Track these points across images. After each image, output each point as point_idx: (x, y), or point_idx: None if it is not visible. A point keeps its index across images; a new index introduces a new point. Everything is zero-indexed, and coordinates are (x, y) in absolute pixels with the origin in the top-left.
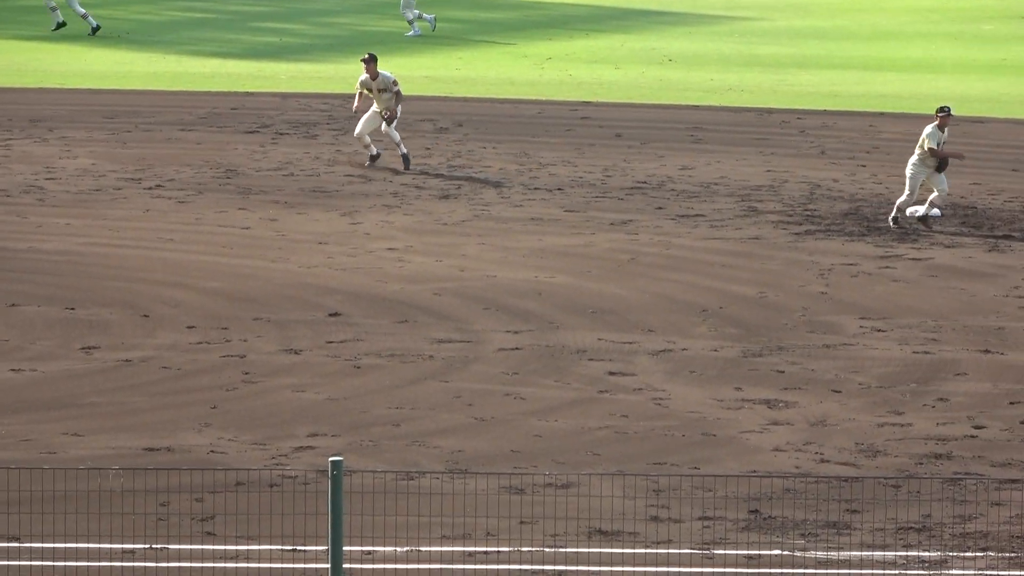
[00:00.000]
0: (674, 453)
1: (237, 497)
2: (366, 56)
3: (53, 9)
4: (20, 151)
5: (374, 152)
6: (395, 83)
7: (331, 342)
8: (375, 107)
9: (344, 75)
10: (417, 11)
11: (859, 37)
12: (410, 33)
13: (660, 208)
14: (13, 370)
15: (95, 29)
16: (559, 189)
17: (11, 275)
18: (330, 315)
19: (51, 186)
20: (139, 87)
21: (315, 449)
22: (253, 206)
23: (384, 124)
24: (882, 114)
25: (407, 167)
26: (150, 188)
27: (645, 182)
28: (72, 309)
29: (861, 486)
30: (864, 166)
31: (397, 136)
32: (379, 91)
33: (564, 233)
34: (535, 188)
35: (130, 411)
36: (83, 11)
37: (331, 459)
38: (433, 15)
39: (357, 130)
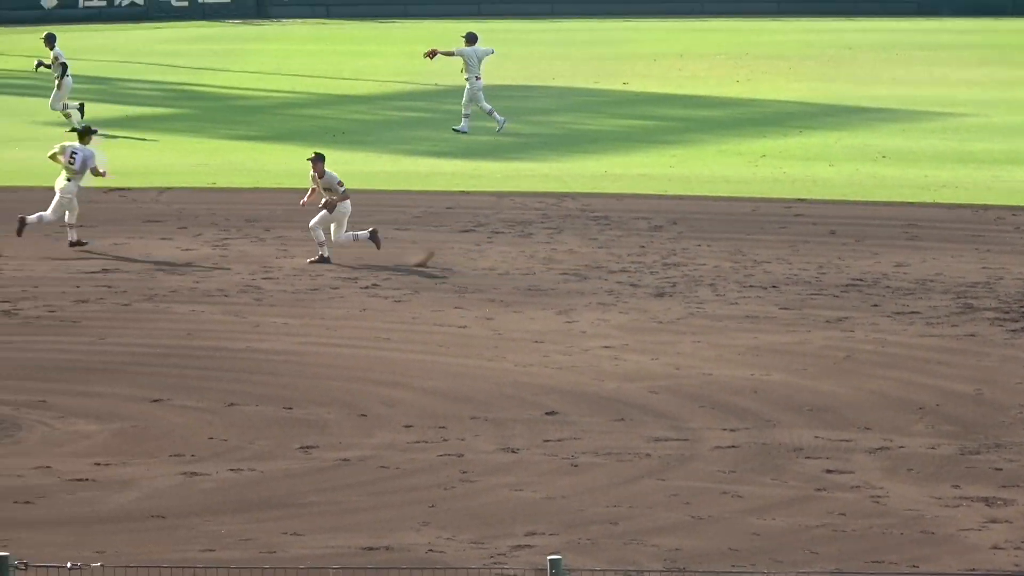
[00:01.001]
0: (892, 551)
1: None
2: (312, 156)
3: (68, 116)
4: (237, 251)
5: (325, 253)
6: (340, 184)
7: (548, 440)
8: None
9: (559, 173)
10: (489, 106)
11: None
12: (459, 127)
13: (875, 305)
14: (232, 470)
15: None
16: (774, 287)
17: (229, 375)
18: (547, 414)
19: (268, 285)
20: (355, 187)
21: (533, 548)
22: (469, 305)
23: (326, 214)
24: None
25: (320, 260)
26: (366, 287)
27: (860, 279)
28: (290, 408)
29: None
30: None
31: (346, 238)
32: (325, 190)
33: (779, 331)
34: (750, 286)
35: (349, 510)
36: (68, 109)
37: (550, 558)
38: (504, 118)
39: (312, 222)
